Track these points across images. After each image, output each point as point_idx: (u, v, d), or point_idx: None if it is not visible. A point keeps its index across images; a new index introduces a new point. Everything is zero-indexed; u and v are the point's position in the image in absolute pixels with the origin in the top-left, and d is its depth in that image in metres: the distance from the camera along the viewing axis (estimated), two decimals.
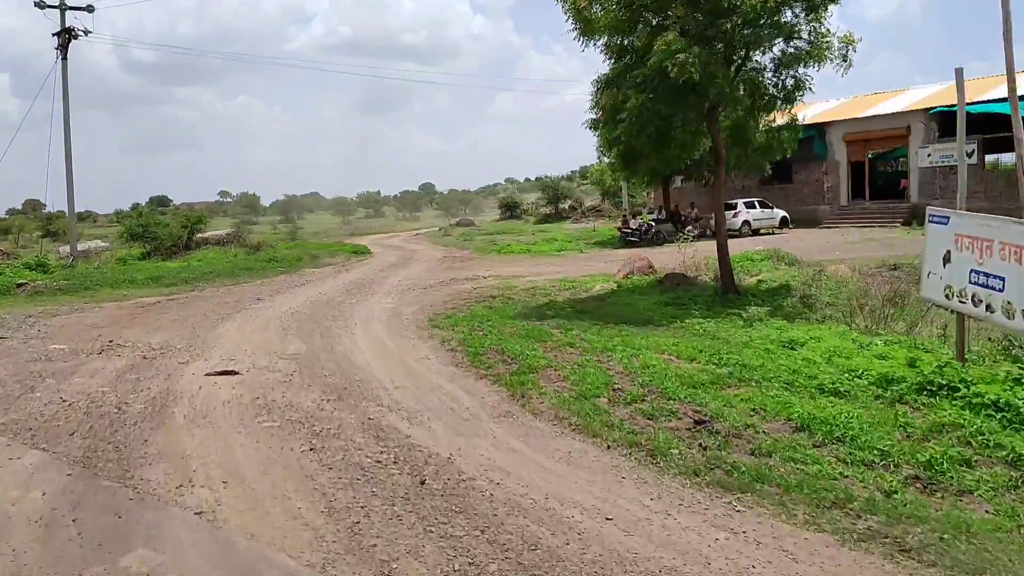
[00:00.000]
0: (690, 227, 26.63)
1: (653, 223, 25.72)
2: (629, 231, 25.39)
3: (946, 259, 6.94)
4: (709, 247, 13.58)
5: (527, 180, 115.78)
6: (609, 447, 5.42)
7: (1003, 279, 6.11)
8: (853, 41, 11.31)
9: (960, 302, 6.73)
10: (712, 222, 27.76)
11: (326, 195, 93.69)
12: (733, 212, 26.73)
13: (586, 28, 11.42)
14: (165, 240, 27.54)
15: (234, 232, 30.14)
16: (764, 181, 31.74)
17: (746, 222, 26.92)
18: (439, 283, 15.93)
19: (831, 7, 11.34)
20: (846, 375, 6.86)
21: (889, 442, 5.17)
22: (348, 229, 53.94)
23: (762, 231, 27.52)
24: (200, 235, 29.53)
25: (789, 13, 11.34)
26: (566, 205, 51.31)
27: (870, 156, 30.81)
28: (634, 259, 14.73)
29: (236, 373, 7.85)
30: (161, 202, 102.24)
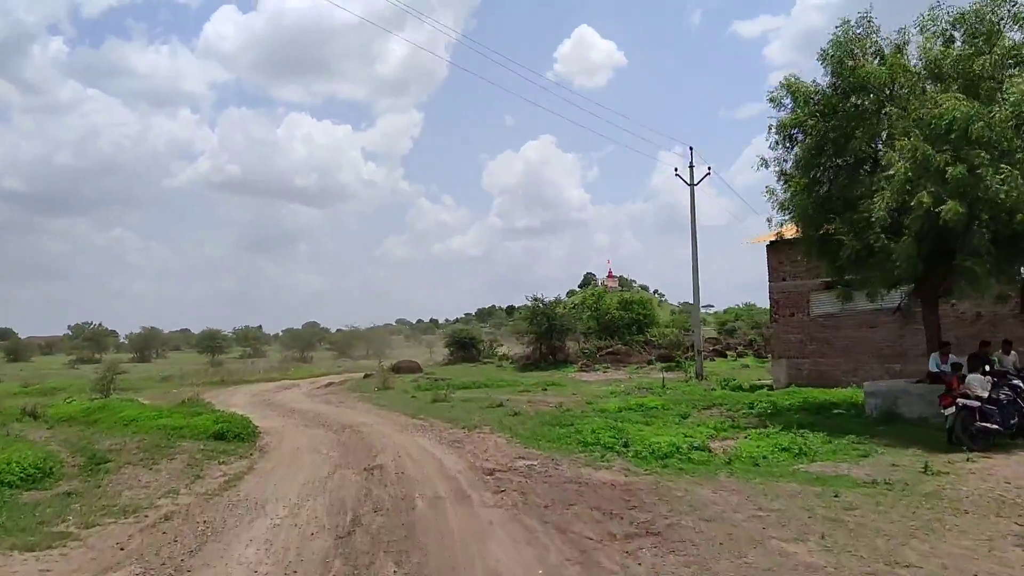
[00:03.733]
0: None
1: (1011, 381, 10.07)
2: (976, 405, 9.73)
3: None
4: None
5: (419, 322, 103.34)
6: None
7: None
8: None
9: None
10: None
11: (198, 332, 75.40)
12: None
13: None
14: None
15: None
16: None
17: None
18: None
19: None
20: None
21: None
22: (217, 373, 36.14)
23: None
24: None
25: None
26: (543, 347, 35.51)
27: None
28: None
29: None
30: (2, 335, 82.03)
